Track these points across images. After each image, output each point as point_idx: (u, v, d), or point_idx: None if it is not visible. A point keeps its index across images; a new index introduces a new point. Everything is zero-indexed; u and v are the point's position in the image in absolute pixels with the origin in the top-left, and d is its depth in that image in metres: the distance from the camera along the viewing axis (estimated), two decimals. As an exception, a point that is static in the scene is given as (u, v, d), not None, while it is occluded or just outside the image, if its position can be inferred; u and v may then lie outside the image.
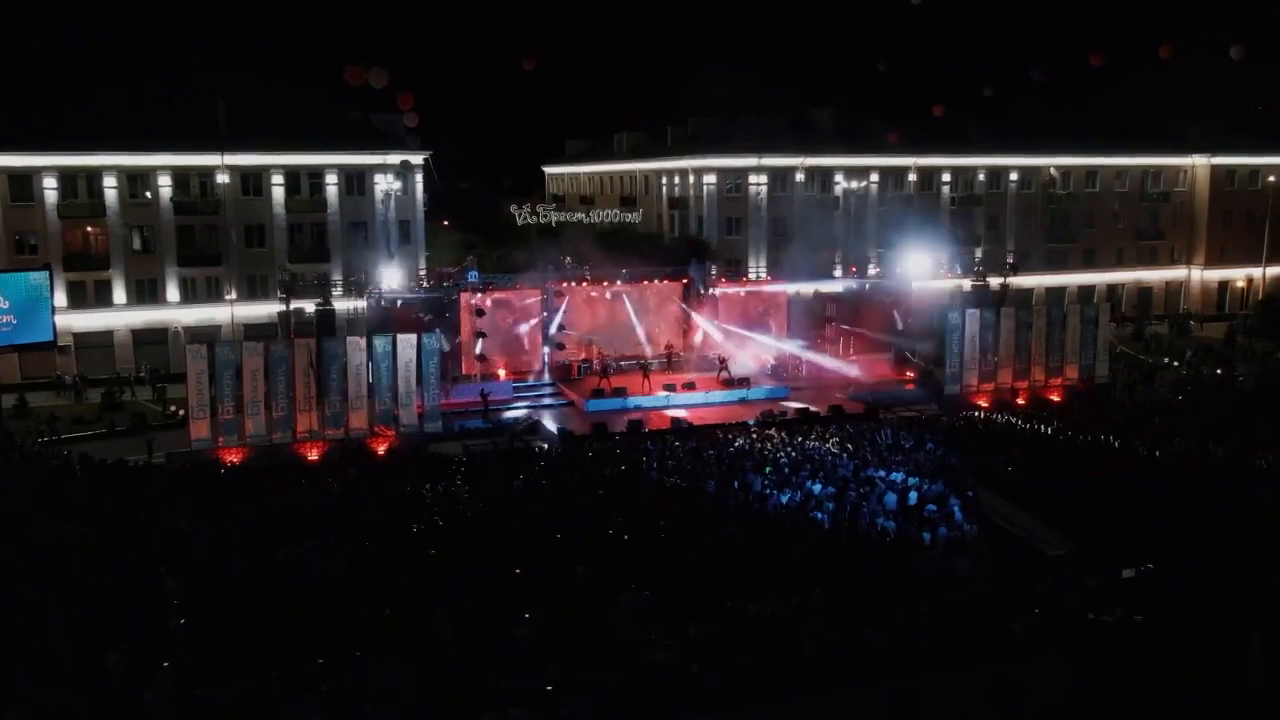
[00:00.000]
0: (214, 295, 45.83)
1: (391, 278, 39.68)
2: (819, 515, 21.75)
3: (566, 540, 20.03)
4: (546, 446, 30.36)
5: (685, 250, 49.15)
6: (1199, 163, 62.77)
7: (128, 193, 44.29)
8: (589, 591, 17.09)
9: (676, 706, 12.70)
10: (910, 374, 40.96)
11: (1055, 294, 58.25)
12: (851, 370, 40.44)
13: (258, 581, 17.84)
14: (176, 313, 45.21)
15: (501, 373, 39.58)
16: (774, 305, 43.96)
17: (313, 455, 30.52)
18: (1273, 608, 15.69)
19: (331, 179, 46.89)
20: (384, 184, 46.91)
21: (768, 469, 25.44)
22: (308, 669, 13.85)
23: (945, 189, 57.95)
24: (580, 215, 49.82)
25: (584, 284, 41.62)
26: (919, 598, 15.84)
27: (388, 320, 35.04)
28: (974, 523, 19.01)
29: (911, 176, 56.99)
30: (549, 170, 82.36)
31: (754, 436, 29.32)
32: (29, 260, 43.40)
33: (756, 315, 43.26)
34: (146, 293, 44.85)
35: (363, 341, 31.51)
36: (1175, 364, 44.44)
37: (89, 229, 44.29)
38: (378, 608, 16.34)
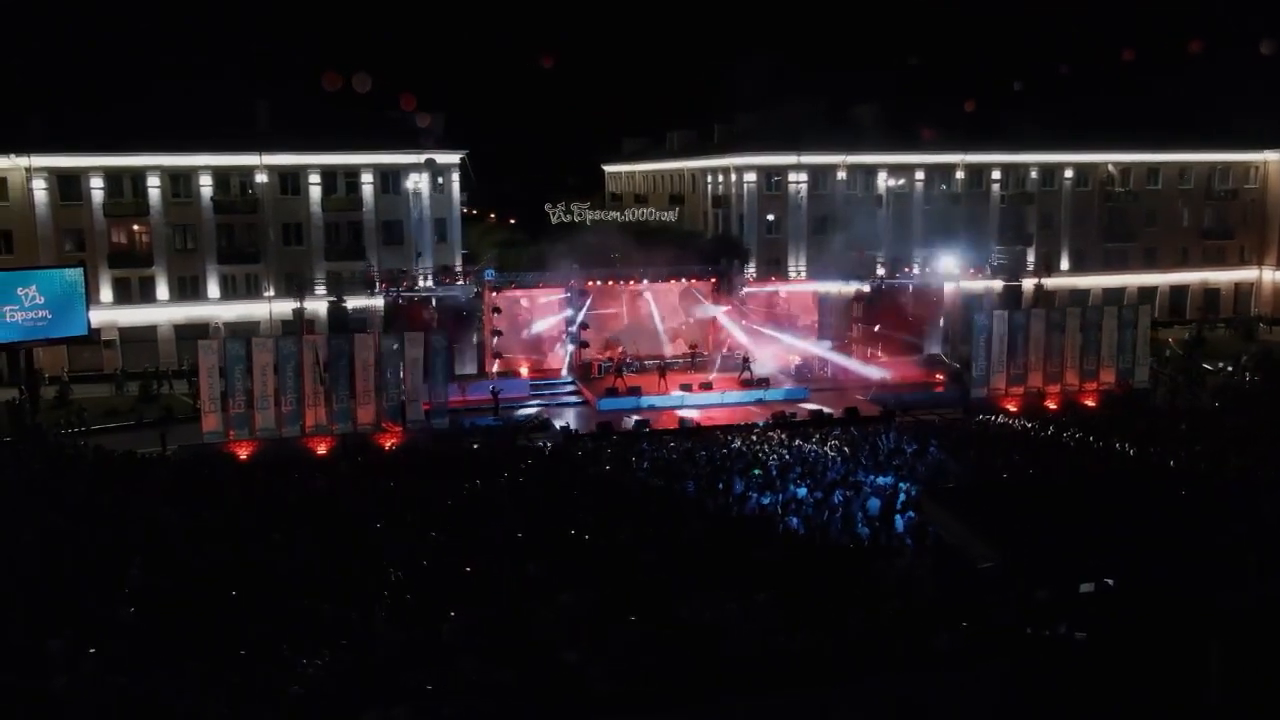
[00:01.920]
0: (253, 292, 46.92)
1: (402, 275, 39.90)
2: (792, 520, 21.24)
3: (528, 539, 19.90)
4: (551, 445, 30.27)
5: (718, 249, 48.62)
6: (1271, 159, 59.83)
7: (170, 192, 45.62)
8: (535, 590, 16.97)
9: (567, 709, 12.44)
10: (940, 376, 39.83)
11: (1114, 295, 56.08)
12: (878, 372, 39.50)
13: (217, 573, 18.08)
14: (217, 309, 46.39)
15: (524, 370, 39.68)
16: (804, 305, 43.24)
17: (321, 449, 30.94)
18: (1233, 625, 14.80)
19: (367, 178, 47.61)
20: (417, 183, 47.37)
21: (756, 471, 24.97)
22: (228, 660, 14.02)
23: (995, 186, 56.25)
24: (615, 214, 49.67)
25: (610, 283, 41.48)
26: (862, 604, 15.35)
27: (401, 318, 35.35)
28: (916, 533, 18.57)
29: (959, 174, 55.47)
30: (608, 169, 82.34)
31: (754, 438, 28.79)
32: (77, 257, 45.08)
33: (786, 315, 42.60)
34: (188, 289, 46.12)
35: (370, 338, 31.83)
36: (1229, 368, 42.38)
37: (134, 227, 45.75)
38: (321, 601, 16.47)
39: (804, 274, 51.12)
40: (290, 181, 47.00)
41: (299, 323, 34.96)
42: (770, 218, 54.29)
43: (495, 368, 38.55)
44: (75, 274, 36.61)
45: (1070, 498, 17.12)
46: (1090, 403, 37.05)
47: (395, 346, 31.63)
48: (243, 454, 30.35)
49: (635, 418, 32.79)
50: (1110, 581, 16.60)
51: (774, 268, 52.83)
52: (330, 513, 22.03)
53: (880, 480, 24.01)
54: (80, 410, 35.77)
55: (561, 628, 14.94)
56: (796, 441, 27.91)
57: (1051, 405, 36.53)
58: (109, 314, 45.15)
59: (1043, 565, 14.56)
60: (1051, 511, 16.33)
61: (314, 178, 47.07)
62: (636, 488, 23.75)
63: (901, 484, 23.70)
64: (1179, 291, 59.59)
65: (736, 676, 13.22)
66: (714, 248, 49.78)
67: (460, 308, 37.25)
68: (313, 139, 45.61)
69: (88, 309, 37.07)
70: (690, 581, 17.09)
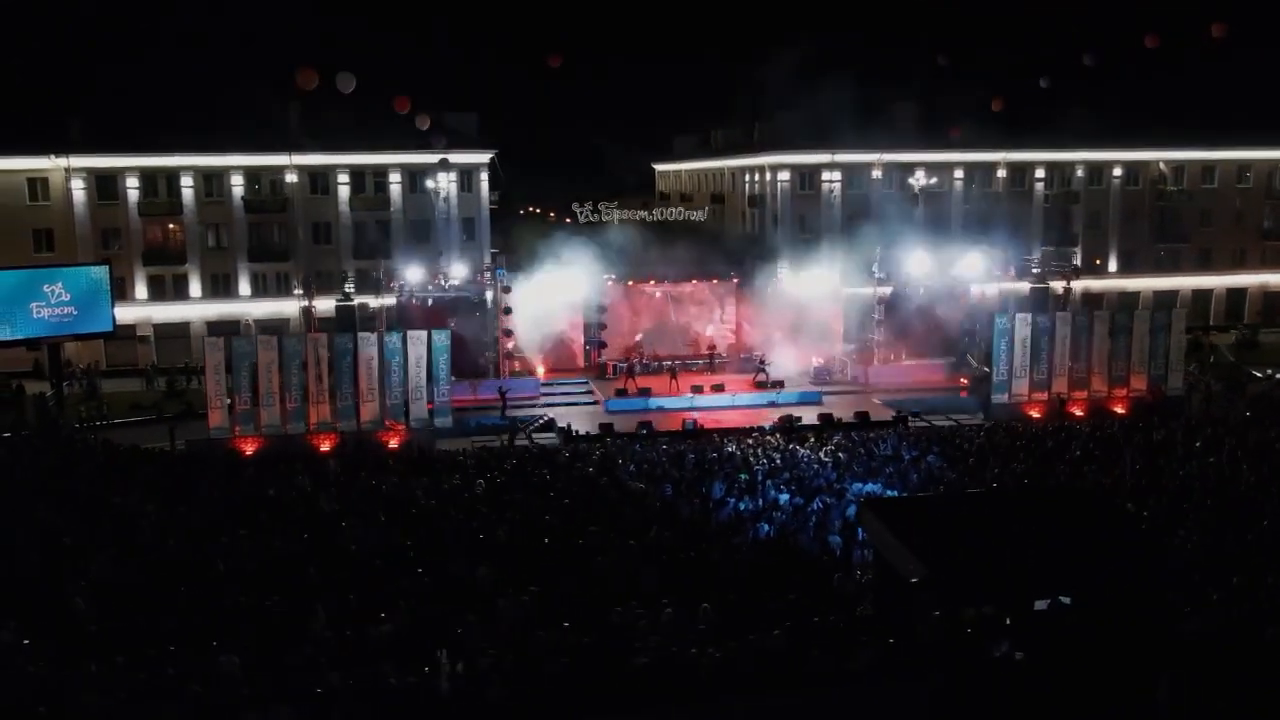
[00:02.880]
0: (283, 290, 47.60)
1: (414, 275, 39.96)
2: (764, 527, 20.69)
3: (489, 540, 19.66)
4: (548, 445, 30.09)
5: (744, 249, 48.03)
6: (1338, 156, 57.14)
7: (203, 191, 46.60)
8: (480, 594, 16.75)
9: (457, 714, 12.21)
10: (965, 381, 38.68)
11: (1166, 297, 54.21)
12: (900, 375, 38.58)
13: (169, 568, 18.17)
14: (248, 306, 47.21)
15: (540, 370, 39.60)
16: (829, 306, 42.34)
17: (324, 447, 31.15)
18: (1186, 653, 13.95)
19: (395, 178, 48.01)
20: (443, 182, 47.61)
21: (742, 475, 24.44)
22: (152, 655, 14.03)
23: (1039, 185, 54.59)
24: (643, 213, 49.37)
25: (628, 283, 41.23)
26: (805, 615, 14.85)
27: (410, 317, 35.51)
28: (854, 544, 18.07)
29: (1000, 172, 53.95)
30: (659, 168, 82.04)
31: (750, 442, 28.20)
32: (114, 255, 46.30)
33: (809, 316, 41.75)
34: (220, 286, 47.00)
35: (374, 337, 31.97)
36: (1278, 376, 40.46)
37: (169, 226, 46.79)
38: (262, 598, 16.42)
39: (837, 273, 50.21)
40: (319, 181, 47.64)
41: (306, 321, 35.26)
42: (803, 217, 53.49)
43: (513, 367, 38.57)
44: (100, 271, 37.55)
45: (1028, 511, 16.27)
46: (1120, 410, 35.67)
47: (397, 345, 31.69)
48: (248, 450, 30.72)
49: (638, 419, 32.41)
50: (1066, 600, 15.83)
51: (806, 268, 51.90)
52: (304, 509, 22.08)
53: (868, 487, 23.31)
54: (104, 404, 36.60)
55: (490, 632, 14.75)
56: (791, 446, 27.25)
57: (1078, 412, 35.27)
58: (144, 310, 46.27)
59: (975, 581, 13.84)
60: (998, 525, 15.52)
61: (342, 177, 47.69)
62: (614, 491, 23.35)
63: (889, 491, 23.04)
64: (1236, 294, 57.18)
65: (643, 685, 12.88)
66: (740, 247, 49.22)
67: (472, 307, 37.26)
68: (341, 139, 46.06)
69: (113, 306, 37.99)
70: (638, 587, 16.78)
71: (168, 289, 46.69)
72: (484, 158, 50.01)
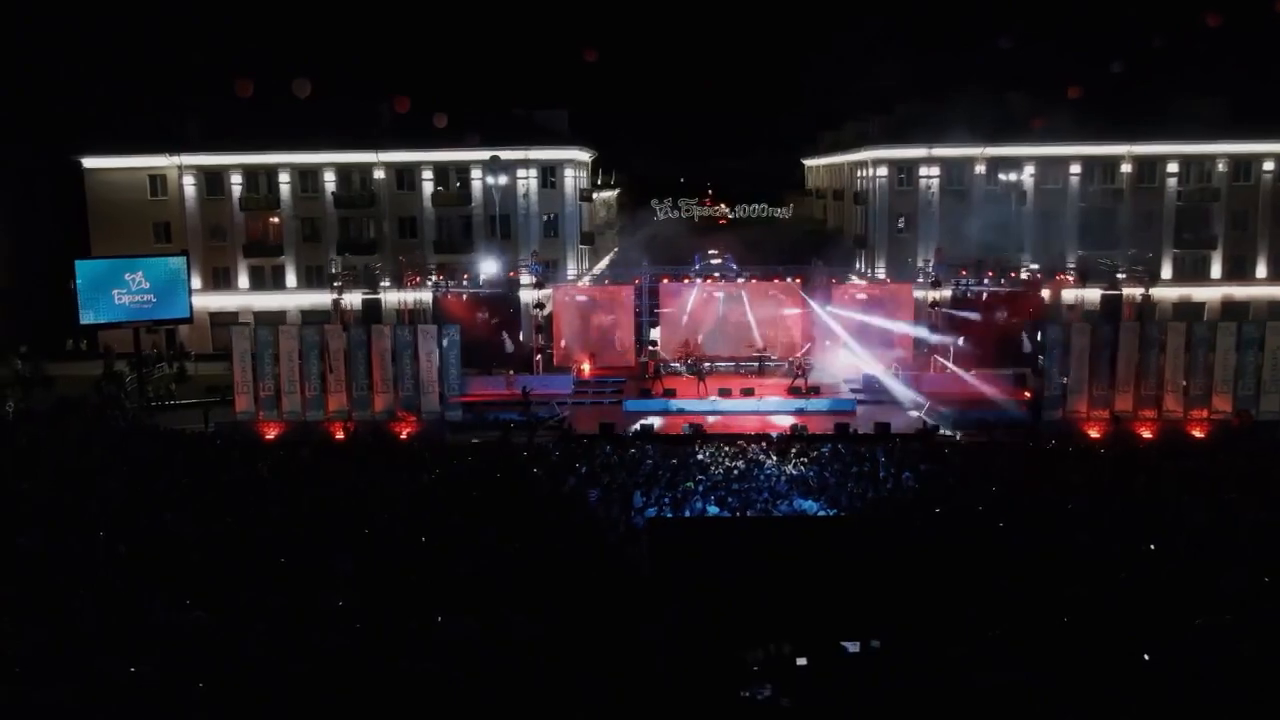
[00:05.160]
0: (370, 281, 49.44)
1: (488, 269, 40.61)
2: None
3: (394, 538, 19.65)
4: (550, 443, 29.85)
5: (822, 247, 46.11)
6: None
7: (299, 187, 49.12)
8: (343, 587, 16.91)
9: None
10: (1028, 394, 35.53)
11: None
12: (955, 386, 35.93)
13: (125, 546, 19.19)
14: (353, 296, 49.31)
15: (586, 367, 39.40)
16: (898, 310, 39.91)
17: (340, 434, 32.20)
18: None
19: (476, 174, 48.97)
20: (524, 178, 48.18)
21: (689, 484, 23.42)
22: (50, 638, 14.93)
23: (1171, 181, 49.40)
24: (723, 209, 48.39)
25: (684, 280, 40.36)
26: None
27: (444, 311, 36.15)
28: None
29: (1125, 167, 49.17)
30: (807, 163, 80.00)
31: (728, 449, 26.93)
32: (220, 246, 49.66)
33: (877, 320, 39.49)
34: (313, 277, 49.40)
35: (387, 329, 32.73)
36: None
37: (270, 220, 49.65)
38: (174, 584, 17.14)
39: (933, 274, 47.37)
40: (405, 177, 49.27)
41: (337, 313, 36.52)
42: (902, 215, 50.76)
43: (556, 363, 38.66)
44: (178, 262, 40.23)
45: (819, 543, 14.68)
46: (1198, 433, 31.83)
47: (408, 339, 32.31)
48: (270, 434, 32.14)
49: (641, 422, 31.67)
50: (877, 644, 14.19)
51: (902, 268, 49.25)
52: (268, 497, 22.79)
53: (803, 504, 21.82)
54: (171, 386, 39.22)
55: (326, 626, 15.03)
56: (760, 456, 25.84)
57: (1146, 433, 31.72)
58: (245, 299, 49.38)
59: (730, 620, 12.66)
60: (800, 557, 14.11)
61: (427, 174, 49.09)
62: (544, 494, 22.90)
63: (829, 512, 21.48)
64: None
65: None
66: (817, 246, 47.30)
67: (508, 303, 37.49)
68: (425, 136, 47.24)
69: (190, 294, 40.65)
70: (480, 594, 16.44)
71: (266, 278, 49.52)
72: (568, 154, 50.23)
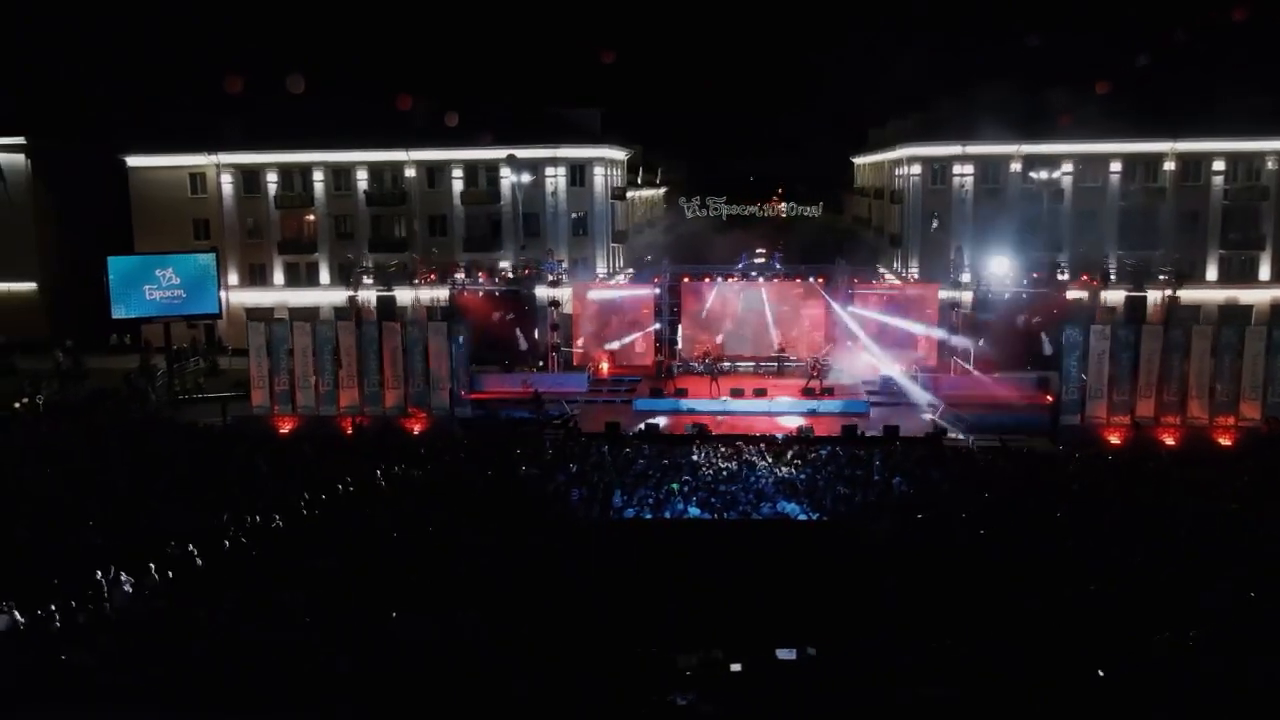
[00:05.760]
0: (401, 278, 50.13)
1: (505, 266, 40.90)
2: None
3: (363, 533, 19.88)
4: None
5: (847, 246, 45.48)
6: None
7: (332, 186, 49.91)
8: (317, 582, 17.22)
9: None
10: (1050, 399, 34.66)
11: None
12: (976, 388, 35.21)
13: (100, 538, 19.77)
14: (369, 293, 49.96)
15: (604, 366, 39.43)
16: (922, 311, 39.23)
17: (350, 429, 32.65)
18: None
19: (505, 172, 49.22)
20: (544, 178, 48.28)
21: (674, 485, 23.29)
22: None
23: (1217, 179, 47.73)
24: (753, 209, 47.98)
25: (704, 279, 40.16)
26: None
27: (459, 309, 36.45)
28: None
29: (1169, 165, 47.65)
30: (856, 160, 79.03)
31: (723, 450, 26.70)
32: (256, 243, 50.68)
33: (901, 320, 38.85)
34: (346, 274, 50.10)
35: (397, 326, 33.10)
36: None
37: (305, 217, 50.54)
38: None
39: (965, 275, 46.45)
40: (435, 176, 49.77)
41: (353, 310, 36.99)
42: (935, 214, 49.84)
43: (572, 361, 38.74)
44: (208, 258, 41.14)
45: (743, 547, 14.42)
46: (1225, 441, 30.72)
47: (418, 336, 32.62)
48: (285, 427, 32.71)
49: (646, 421, 31.55)
50: (812, 651, 13.93)
51: (935, 269, 48.36)
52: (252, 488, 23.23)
53: (785, 507, 21.54)
54: (199, 380, 40.15)
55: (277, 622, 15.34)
56: (754, 458, 25.56)
57: (1169, 440, 30.72)
58: (280, 295, 50.32)
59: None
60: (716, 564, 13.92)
61: (456, 172, 49.52)
62: (528, 493, 22.93)
63: (812, 516, 21.18)
64: None
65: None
66: (844, 245, 46.69)
67: (523, 301, 37.64)
68: (455, 135, 47.63)
69: (219, 290, 41.57)
70: (440, 592, 16.55)
71: (301, 275, 50.41)
72: (599, 152, 50.24)
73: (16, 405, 34.59)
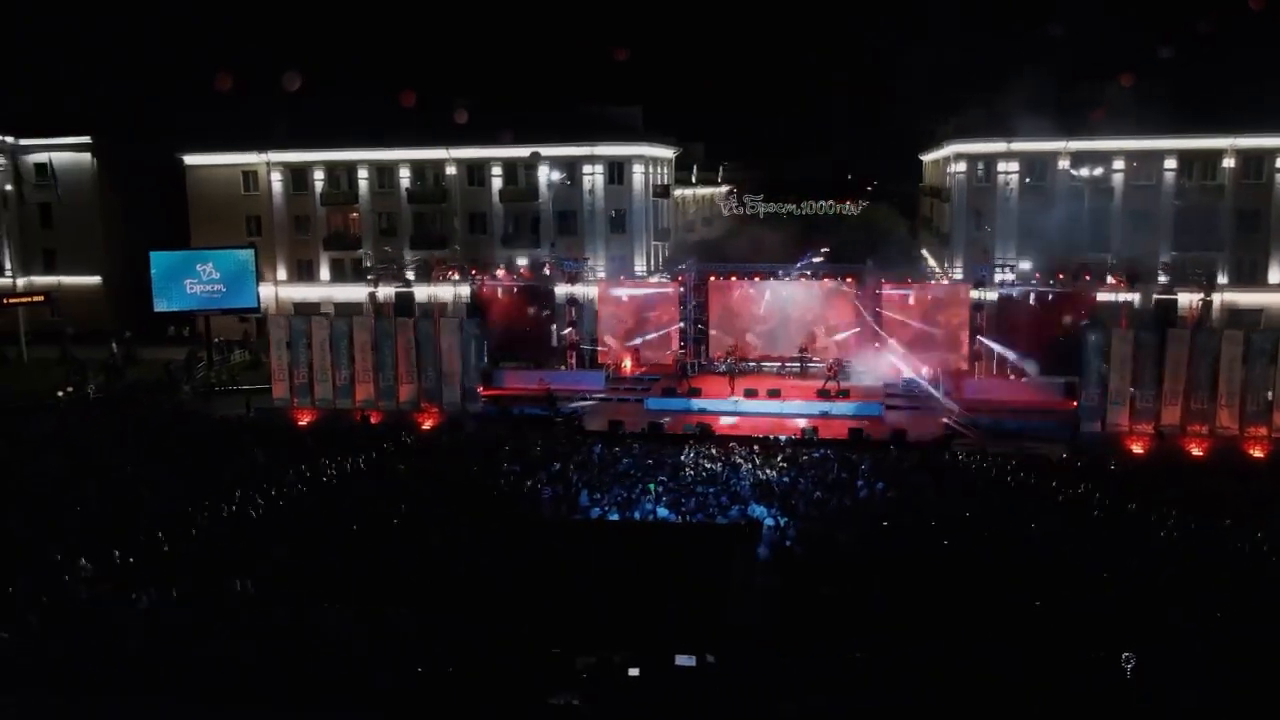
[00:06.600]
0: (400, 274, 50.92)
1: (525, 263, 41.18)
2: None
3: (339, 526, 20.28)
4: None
5: (884, 245, 44.60)
6: None
7: (376, 183, 50.94)
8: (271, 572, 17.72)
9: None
10: (1076, 403, 33.44)
11: None
12: (998, 392, 34.24)
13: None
14: (411, 289, 50.92)
15: (628, 364, 39.42)
16: (954, 312, 38.24)
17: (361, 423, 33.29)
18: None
19: (542, 169, 49.55)
20: (581, 175, 48.44)
21: (652, 486, 23.19)
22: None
23: (1280, 176, 45.48)
24: (791, 207, 47.40)
25: (730, 277, 39.86)
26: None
27: (479, 305, 36.88)
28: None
29: (1227, 162, 45.52)
30: (924, 158, 77.48)
31: (714, 451, 26.47)
32: (303, 240, 52.01)
33: (930, 322, 37.99)
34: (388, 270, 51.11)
35: (410, 322, 33.61)
36: None
37: (349, 214, 51.70)
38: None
39: (1010, 275, 45.17)
40: (475, 173, 50.39)
41: (373, 305, 37.62)
42: (980, 211, 48.58)
43: (596, 358, 38.89)
44: (247, 254, 42.42)
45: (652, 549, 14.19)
46: (1258, 453, 29.28)
47: (429, 332, 33.10)
48: (303, 420, 33.53)
49: (649, 420, 31.45)
50: (712, 659, 13.70)
51: (978, 268, 47.07)
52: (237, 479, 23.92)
53: (754, 512, 21.24)
54: (234, 374, 41.40)
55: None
56: (735, 460, 25.28)
57: (1196, 451, 29.41)
58: (326, 290, 51.60)
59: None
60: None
61: (496, 169, 50.04)
62: (503, 489, 23.10)
63: (781, 520, 20.86)
64: None
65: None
66: (880, 244, 45.76)
67: (542, 297, 37.85)
68: (494, 132, 48.20)
69: (257, 285, 42.81)
70: (383, 587, 16.82)
71: (346, 271, 51.58)
72: (639, 150, 50.23)
73: (60, 394, 36.16)
